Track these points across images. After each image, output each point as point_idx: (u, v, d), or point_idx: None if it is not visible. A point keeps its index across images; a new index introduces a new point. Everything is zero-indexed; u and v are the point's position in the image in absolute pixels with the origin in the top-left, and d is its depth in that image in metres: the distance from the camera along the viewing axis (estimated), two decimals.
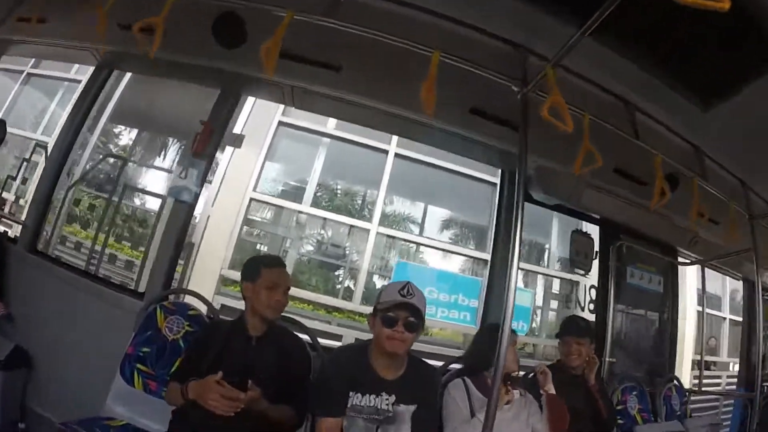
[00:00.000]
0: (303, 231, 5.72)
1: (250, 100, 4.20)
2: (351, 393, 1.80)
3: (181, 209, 2.70)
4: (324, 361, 2.01)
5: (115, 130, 5.50)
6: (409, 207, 6.63)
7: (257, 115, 5.05)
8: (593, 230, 3.77)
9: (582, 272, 3.88)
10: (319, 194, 5.99)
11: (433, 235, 6.47)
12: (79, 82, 3.98)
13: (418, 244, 6.03)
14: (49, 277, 2.77)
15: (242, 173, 5.06)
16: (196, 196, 2.70)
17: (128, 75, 3.86)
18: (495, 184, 4.42)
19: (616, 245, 3.59)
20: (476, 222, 6.41)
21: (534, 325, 6.47)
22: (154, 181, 5.77)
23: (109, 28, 2.38)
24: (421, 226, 6.46)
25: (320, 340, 2.39)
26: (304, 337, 2.26)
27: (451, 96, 2.24)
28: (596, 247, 3.66)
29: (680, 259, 3.93)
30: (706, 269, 4.01)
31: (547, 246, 6.73)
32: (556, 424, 2.15)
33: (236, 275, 6.25)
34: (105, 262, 3.56)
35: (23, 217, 2.98)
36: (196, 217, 4.75)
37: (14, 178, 3.95)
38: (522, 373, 2.36)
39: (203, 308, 2.48)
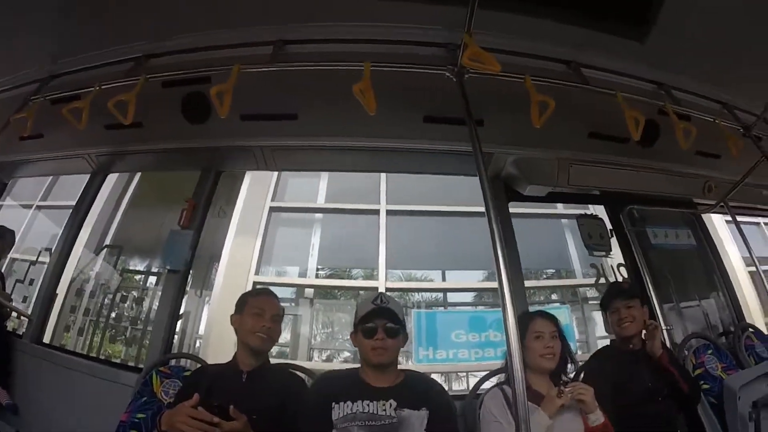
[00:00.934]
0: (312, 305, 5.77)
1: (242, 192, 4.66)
2: (336, 404, 1.72)
3: (174, 279, 2.81)
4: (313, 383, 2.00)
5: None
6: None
7: (249, 205, 5.42)
8: (600, 212, 3.58)
9: (602, 253, 3.54)
10: (320, 271, 6.11)
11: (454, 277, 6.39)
12: None
13: (423, 291, 6.05)
14: (51, 364, 2.86)
15: (241, 262, 5.22)
16: (187, 263, 2.84)
17: None
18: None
19: (625, 211, 3.38)
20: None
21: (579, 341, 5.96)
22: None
23: (98, 131, 2.82)
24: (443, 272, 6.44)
25: None
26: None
27: (400, 112, 2.49)
28: (608, 225, 3.44)
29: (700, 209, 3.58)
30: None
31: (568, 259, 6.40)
32: None
33: None
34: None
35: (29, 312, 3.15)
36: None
37: (22, 281, 4.25)
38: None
39: None
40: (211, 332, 4.62)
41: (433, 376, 4.30)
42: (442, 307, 5.92)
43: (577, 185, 3.13)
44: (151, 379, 2.34)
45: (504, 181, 3.13)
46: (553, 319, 1.99)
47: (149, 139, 3.06)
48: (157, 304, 2.96)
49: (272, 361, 2.06)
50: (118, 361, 3.91)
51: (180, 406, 1.56)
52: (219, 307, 4.57)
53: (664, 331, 2.90)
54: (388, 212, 5.85)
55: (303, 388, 1.98)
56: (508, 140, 2.86)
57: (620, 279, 3.44)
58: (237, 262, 5.00)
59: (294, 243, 5.81)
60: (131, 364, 3.40)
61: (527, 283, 3.76)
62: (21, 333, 3.13)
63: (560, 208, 5.98)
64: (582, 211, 3.58)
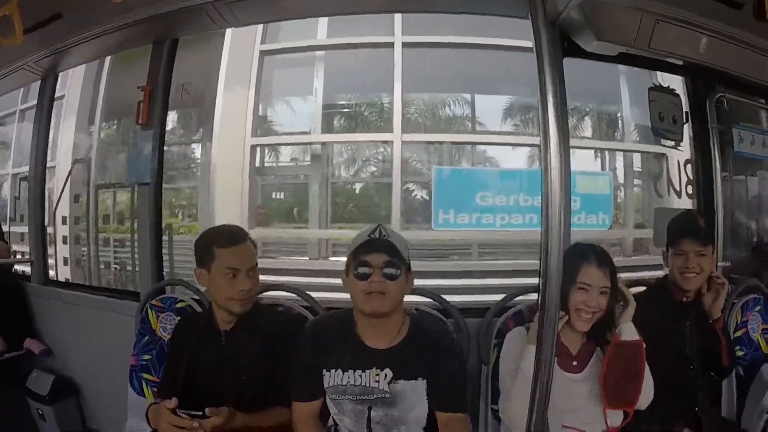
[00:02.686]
0: (320, 163, 5.51)
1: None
2: (327, 372, 1.54)
3: (146, 192, 2.51)
4: (302, 330, 1.69)
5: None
6: (441, 100, 6.05)
7: (235, 56, 4.74)
8: (677, 84, 2.82)
9: (671, 143, 2.93)
10: (328, 117, 5.63)
11: (488, 126, 5.91)
12: None
13: (455, 143, 5.58)
14: (64, 302, 2.85)
15: (235, 121, 4.81)
16: (155, 173, 2.47)
17: None
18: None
19: (714, 98, 2.68)
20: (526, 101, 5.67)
21: (618, 216, 5.69)
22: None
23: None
24: (473, 119, 5.94)
25: None
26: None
27: None
28: (685, 107, 2.74)
29: None
30: None
31: (618, 114, 5.80)
32: (616, 391, 1.55)
33: (257, 233, 6.44)
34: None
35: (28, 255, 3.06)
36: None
37: (14, 219, 4.16)
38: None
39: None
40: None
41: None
42: (467, 164, 5.55)
43: (660, 50, 2.32)
44: (148, 315, 2.28)
45: (561, 29, 2.40)
46: (609, 268, 1.60)
47: (75, 29, 2.53)
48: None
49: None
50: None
51: (161, 408, 1.48)
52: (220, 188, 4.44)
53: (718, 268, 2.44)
54: (405, 45, 5.06)
55: (292, 331, 1.73)
56: None
57: (684, 179, 2.90)
58: (230, 127, 4.59)
59: (293, 90, 5.24)
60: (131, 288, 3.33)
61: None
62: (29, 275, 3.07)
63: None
64: (656, 82, 2.82)
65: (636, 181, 5.78)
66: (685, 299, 1.89)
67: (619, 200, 5.71)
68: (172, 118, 5.95)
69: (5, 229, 3.32)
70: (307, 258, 6.13)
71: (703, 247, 1.83)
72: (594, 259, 1.59)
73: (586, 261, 1.59)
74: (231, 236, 1.66)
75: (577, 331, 1.62)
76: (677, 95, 2.74)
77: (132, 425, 2.13)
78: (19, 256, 3.03)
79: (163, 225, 2.66)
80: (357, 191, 7.41)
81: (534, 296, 2.31)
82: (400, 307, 1.57)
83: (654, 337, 1.76)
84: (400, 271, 1.48)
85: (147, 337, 2.24)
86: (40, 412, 2.69)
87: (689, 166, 2.91)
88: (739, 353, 2.13)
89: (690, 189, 2.96)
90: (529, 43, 1.05)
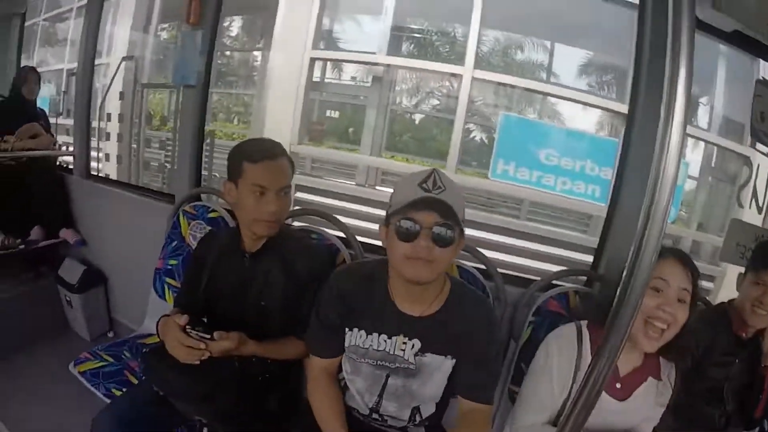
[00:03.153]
0: (381, 87, 5.23)
1: None
2: (353, 330, 1.37)
3: (191, 95, 2.41)
4: (327, 281, 1.47)
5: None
6: (524, 45, 5.51)
7: None
8: None
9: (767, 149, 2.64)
10: (395, 40, 5.27)
11: (563, 79, 5.36)
12: None
13: (529, 91, 5.11)
14: (103, 197, 2.89)
15: (296, 32, 4.56)
16: (201, 75, 2.36)
17: None
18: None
19: None
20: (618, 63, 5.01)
21: (683, 212, 5.18)
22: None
23: None
24: (548, 69, 5.41)
25: None
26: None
27: None
28: None
29: None
30: None
31: (704, 100, 5.09)
32: None
33: (307, 151, 6.38)
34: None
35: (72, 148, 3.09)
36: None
37: (60, 114, 4.22)
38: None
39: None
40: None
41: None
42: (534, 115, 5.07)
43: None
44: (179, 220, 2.27)
45: None
46: (691, 270, 1.32)
47: None
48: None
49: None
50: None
51: (170, 323, 1.41)
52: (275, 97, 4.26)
53: None
54: None
55: (317, 258, 1.64)
56: None
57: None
58: (290, 37, 4.37)
59: (361, 5, 4.87)
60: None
61: None
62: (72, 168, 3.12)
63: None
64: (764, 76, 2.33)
65: (710, 179, 5.18)
66: (744, 335, 1.67)
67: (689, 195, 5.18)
68: (236, 23, 5.82)
69: (53, 122, 3.40)
70: (354, 183, 6.05)
71: None
72: (674, 256, 1.32)
73: (664, 256, 1.32)
74: (263, 150, 1.48)
75: (634, 349, 1.35)
76: None
77: (147, 326, 2.18)
78: (63, 149, 3.08)
79: (206, 130, 2.60)
80: (417, 122, 7.17)
81: (582, 279, 2.16)
82: (443, 275, 1.33)
83: (698, 363, 1.61)
84: (453, 235, 1.19)
85: (176, 242, 2.24)
86: (68, 299, 2.83)
87: None
88: None
89: None
90: None
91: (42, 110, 3.29)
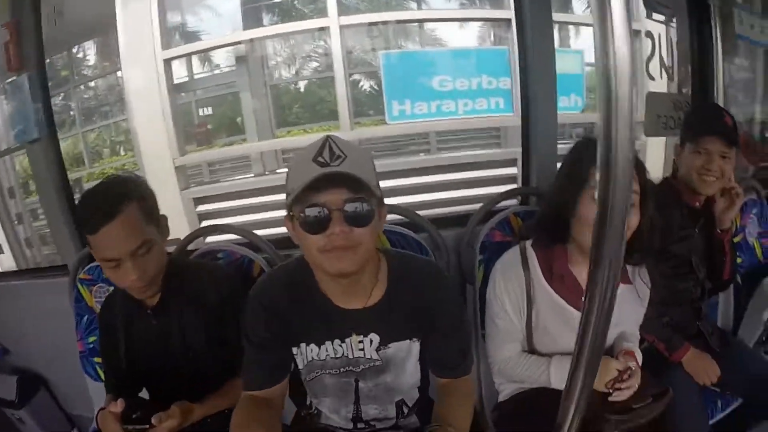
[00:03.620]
0: (248, 66, 4.92)
1: None
2: (296, 348, 1.19)
3: (40, 149, 2.09)
4: (247, 300, 1.23)
5: None
6: None
7: None
8: None
9: (663, 16, 2.57)
10: (251, 13, 4.93)
11: (433, 4, 5.27)
12: None
13: (402, 23, 4.99)
14: (3, 296, 2.52)
15: (141, 36, 4.13)
16: (43, 123, 2.04)
17: None
18: None
19: None
20: None
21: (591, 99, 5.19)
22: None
23: None
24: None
25: None
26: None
27: None
28: None
29: None
30: None
31: None
32: None
33: (196, 158, 5.98)
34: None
35: None
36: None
37: None
38: None
39: None
40: None
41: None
42: (418, 45, 4.98)
43: None
44: (81, 292, 2.00)
45: None
46: (638, 171, 1.28)
47: None
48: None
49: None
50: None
51: (107, 417, 1.24)
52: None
53: None
54: None
55: (232, 291, 1.44)
56: None
57: (672, 58, 2.59)
58: (136, 44, 3.93)
59: None
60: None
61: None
62: None
63: None
64: None
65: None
66: (697, 204, 1.71)
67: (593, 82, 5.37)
68: (90, 50, 5.20)
69: None
70: (252, 176, 5.74)
71: (729, 148, 1.63)
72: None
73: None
74: (95, 215, 1.21)
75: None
76: None
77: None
78: None
79: (72, 180, 2.28)
80: (302, 90, 6.89)
81: (515, 201, 2.14)
82: (374, 251, 1.12)
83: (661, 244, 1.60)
84: (372, 209, 1.00)
85: (86, 317, 1.99)
86: (17, 417, 2.53)
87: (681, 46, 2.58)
88: (737, 260, 1.96)
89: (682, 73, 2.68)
90: None
91: None
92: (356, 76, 5.93)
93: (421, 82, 4.54)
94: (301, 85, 6.82)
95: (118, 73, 5.38)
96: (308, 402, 1.32)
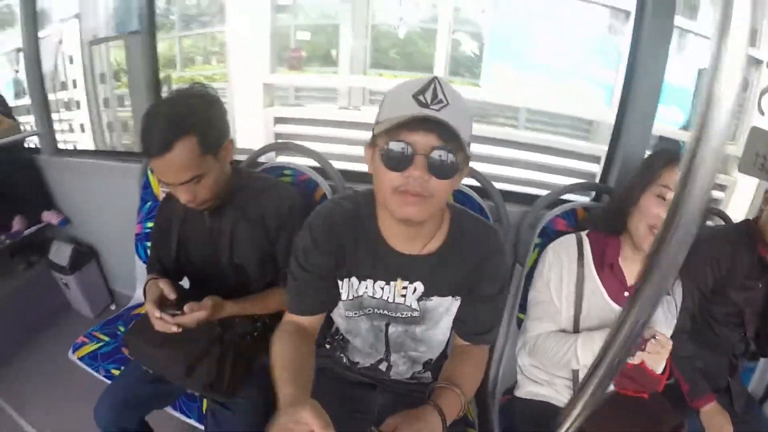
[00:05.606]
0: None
1: None
2: (340, 280, 1.17)
3: (137, 42, 2.18)
4: (304, 224, 1.18)
5: None
6: None
7: None
8: None
9: None
10: None
11: None
12: None
13: None
14: (75, 170, 2.73)
15: None
16: (145, 18, 2.10)
17: None
18: None
19: None
20: None
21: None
22: None
23: None
24: None
25: None
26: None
27: None
28: None
29: None
30: None
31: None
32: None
33: (281, 79, 6.00)
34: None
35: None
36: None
37: (18, 94, 3.94)
38: None
39: None
40: None
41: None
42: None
43: None
44: (149, 179, 2.14)
45: None
46: None
47: None
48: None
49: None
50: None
51: (147, 302, 1.33)
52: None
53: None
54: None
55: (284, 200, 1.45)
56: None
57: None
58: None
59: None
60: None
61: None
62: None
63: None
64: None
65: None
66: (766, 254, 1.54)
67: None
68: None
69: (12, 104, 3.11)
70: (337, 107, 5.75)
71: None
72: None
73: (674, 161, 1.28)
74: (151, 143, 1.23)
75: (639, 253, 1.35)
76: None
77: (139, 296, 2.12)
78: (27, 129, 2.85)
79: (161, 77, 2.32)
80: (401, 37, 6.71)
81: (590, 195, 2.01)
82: (443, 206, 1.10)
83: (719, 286, 1.55)
84: (456, 163, 0.94)
85: (149, 203, 2.12)
86: (64, 282, 2.78)
87: None
88: None
89: None
90: None
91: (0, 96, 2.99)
92: (458, 36, 5.70)
93: (523, 52, 4.24)
94: (402, 31, 6.64)
95: None
96: (338, 336, 1.33)
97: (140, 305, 2.05)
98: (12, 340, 2.54)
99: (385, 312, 1.18)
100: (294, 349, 1.07)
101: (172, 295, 1.32)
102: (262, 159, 2.05)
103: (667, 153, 1.33)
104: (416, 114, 0.89)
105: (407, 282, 1.13)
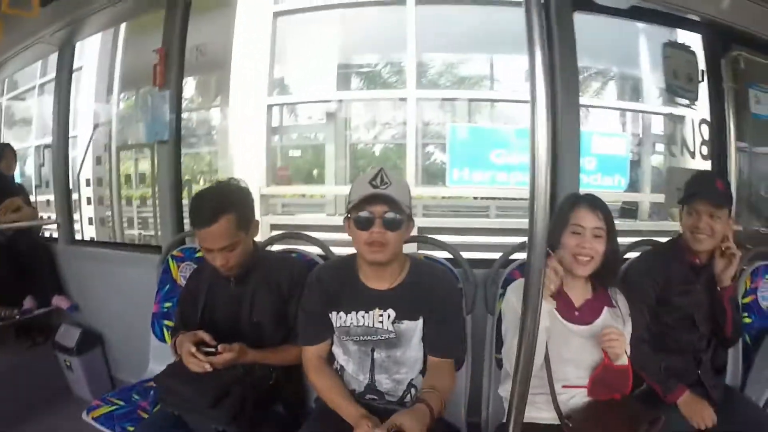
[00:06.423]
0: (335, 122, 5.54)
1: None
2: (333, 314, 1.57)
3: (166, 150, 2.62)
4: (306, 282, 1.67)
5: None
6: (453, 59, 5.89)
7: (248, 18, 4.78)
8: (695, 42, 2.70)
9: (685, 101, 2.79)
10: (343, 77, 5.63)
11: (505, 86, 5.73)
12: None
13: (472, 101, 5.48)
14: (90, 259, 3.01)
15: (252, 82, 4.88)
16: (173, 131, 2.58)
17: None
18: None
19: (729, 57, 2.54)
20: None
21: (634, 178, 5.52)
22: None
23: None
24: (491, 79, 5.80)
25: None
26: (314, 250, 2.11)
27: None
28: (701, 65, 2.61)
29: None
30: None
31: (638, 75, 5.57)
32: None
33: (276, 191, 6.58)
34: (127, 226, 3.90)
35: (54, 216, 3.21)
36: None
37: (39, 186, 4.45)
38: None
39: None
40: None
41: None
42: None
43: (674, 4, 2.27)
44: (169, 265, 2.37)
45: None
46: (602, 211, 1.57)
47: None
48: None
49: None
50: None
51: (184, 342, 1.59)
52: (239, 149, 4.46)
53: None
54: (417, 1, 4.97)
55: (296, 270, 1.79)
56: None
57: (699, 139, 2.80)
58: (247, 88, 4.66)
59: (307, 50, 5.22)
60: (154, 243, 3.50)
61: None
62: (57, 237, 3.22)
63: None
64: (671, 38, 2.67)
65: (658, 147, 5.59)
66: (697, 261, 1.80)
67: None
68: (190, 84, 6.08)
69: (32, 199, 3.51)
70: (325, 214, 6.24)
71: (717, 209, 1.73)
72: (585, 202, 1.58)
73: (577, 204, 1.58)
74: (200, 217, 1.60)
75: (579, 279, 1.59)
76: (693, 52, 2.63)
77: (152, 371, 2.16)
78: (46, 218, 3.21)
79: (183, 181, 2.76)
80: (377, 154, 7.40)
81: None
82: (401, 252, 1.57)
83: (661, 294, 1.77)
84: (402, 221, 1.46)
85: (168, 286, 2.32)
86: (68, 363, 2.86)
87: (704, 126, 2.72)
88: (747, 320, 2.05)
89: (704, 150, 2.86)
90: None
91: (20, 185, 3.37)
92: (429, 148, 6.40)
93: (480, 154, 4.91)
94: (377, 148, 7.36)
95: (212, 110, 6.19)
96: (336, 365, 1.63)
97: (150, 379, 2.11)
98: (10, 415, 2.57)
99: (368, 338, 1.53)
100: (328, 377, 1.57)
101: (212, 341, 1.57)
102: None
103: (572, 197, 1.66)
104: (371, 193, 1.43)
105: (382, 310, 1.53)
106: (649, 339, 1.74)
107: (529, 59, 0.88)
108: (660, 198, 5.23)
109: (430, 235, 2.25)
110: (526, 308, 0.93)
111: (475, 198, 5.60)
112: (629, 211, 5.31)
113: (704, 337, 1.81)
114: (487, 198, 5.40)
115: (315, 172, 6.86)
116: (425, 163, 6.32)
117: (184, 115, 2.79)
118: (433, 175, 6.33)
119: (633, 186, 5.65)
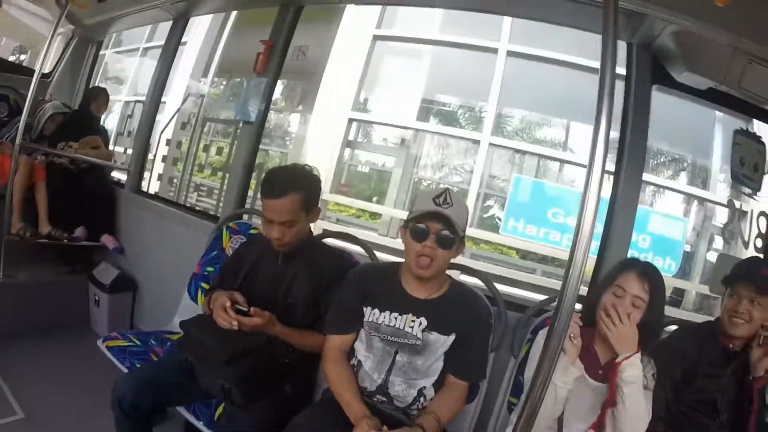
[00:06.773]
0: (407, 150, 5.69)
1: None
2: (367, 308, 1.61)
3: (248, 130, 2.79)
4: (347, 275, 1.73)
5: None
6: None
7: (350, 35, 5.08)
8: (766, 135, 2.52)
9: (748, 190, 2.65)
10: (424, 110, 5.81)
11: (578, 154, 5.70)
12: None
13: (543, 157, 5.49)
14: (149, 211, 3.17)
15: (339, 93, 5.14)
16: (260, 114, 2.76)
17: None
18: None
19: None
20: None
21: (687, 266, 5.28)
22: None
23: None
24: (565, 142, 5.82)
25: None
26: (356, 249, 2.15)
27: None
28: None
29: None
30: None
31: (708, 162, 5.43)
32: None
33: (337, 199, 6.76)
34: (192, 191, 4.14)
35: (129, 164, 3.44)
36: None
37: (122, 134, 4.83)
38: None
39: None
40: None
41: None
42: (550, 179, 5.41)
43: (750, 92, 2.21)
44: (222, 234, 2.46)
45: (654, 54, 2.40)
46: (650, 282, 1.53)
47: None
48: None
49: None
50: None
51: (220, 297, 1.65)
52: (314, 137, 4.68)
53: None
54: (508, 53, 5.13)
55: (341, 266, 1.84)
56: (672, 2, 2.09)
57: (756, 231, 2.65)
58: (333, 98, 4.92)
59: (397, 76, 5.47)
60: (212, 212, 3.66)
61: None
62: (123, 183, 3.45)
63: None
64: (742, 126, 2.56)
65: (717, 237, 5.33)
66: (731, 346, 1.72)
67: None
68: (277, 88, 6.47)
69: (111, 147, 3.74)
70: (377, 233, 6.33)
71: (759, 295, 1.67)
72: (636, 268, 1.56)
73: (628, 268, 1.57)
74: (270, 189, 1.68)
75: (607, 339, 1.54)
76: (762, 143, 2.56)
77: (175, 325, 2.29)
78: (120, 163, 3.45)
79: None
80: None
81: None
82: (445, 270, 1.62)
83: (687, 373, 1.70)
84: (454, 240, 1.52)
85: (215, 252, 2.41)
86: (97, 298, 3.01)
87: (763, 219, 2.63)
88: None
89: (758, 242, 2.71)
90: None
91: (104, 128, 3.63)
92: (489, 201, 6.40)
93: (538, 211, 4.89)
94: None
95: (291, 116, 6.56)
96: (353, 362, 1.64)
97: (175, 333, 2.20)
98: (31, 326, 2.73)
99: (396, 339, 1.55)
100: (344, 370, 1.58)
101: (246, 304, 1.63)
102: None
103: (624, 262, 1.64)
104: (432, 210, 1.49)
105: (415, 316, 1.57)
106: (666, 419, 1.65)
107: (594, 128, 0.98)
108: (707, 289, 4.97)
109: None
110: (542, 362, 1.01)
111: (523, 257, 5.52)
112: (673, 300, 5.02)
113: (724, 426, 1.68)
114: (536, 260, 5.33)
115: (374, 199, 6.99)
116: (482, 216, 6.32)
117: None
118: (487, 227, 6.29)
119: (684, 273, 5.37)
